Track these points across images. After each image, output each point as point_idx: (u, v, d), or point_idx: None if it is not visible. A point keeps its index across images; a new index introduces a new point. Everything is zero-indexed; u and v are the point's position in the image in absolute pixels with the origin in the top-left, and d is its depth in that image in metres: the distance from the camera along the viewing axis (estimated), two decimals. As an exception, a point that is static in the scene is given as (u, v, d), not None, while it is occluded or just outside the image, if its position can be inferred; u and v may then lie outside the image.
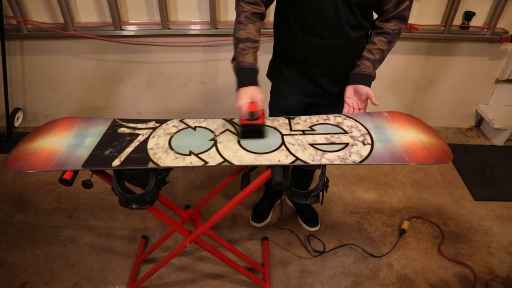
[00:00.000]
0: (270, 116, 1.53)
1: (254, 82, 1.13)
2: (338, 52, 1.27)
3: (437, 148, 1.14)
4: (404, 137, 1.18)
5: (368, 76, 1.26)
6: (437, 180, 2.26)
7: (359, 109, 1.29)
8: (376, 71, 1.30)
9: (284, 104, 1.44)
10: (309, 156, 1.09)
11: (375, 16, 1.29)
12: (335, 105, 1.43)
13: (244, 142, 1.15)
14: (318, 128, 1.21)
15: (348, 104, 1.29)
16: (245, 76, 1.14)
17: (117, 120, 1.25)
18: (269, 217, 1.94)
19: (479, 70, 2.53)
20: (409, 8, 1.22)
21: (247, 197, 1.19)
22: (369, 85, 1.26)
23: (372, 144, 1.14)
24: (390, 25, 1.24)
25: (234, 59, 1.17)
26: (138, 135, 1.18)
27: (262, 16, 1.20)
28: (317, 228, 1.89)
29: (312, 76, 1.34)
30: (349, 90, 1.28)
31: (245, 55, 1.14)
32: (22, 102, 2.56)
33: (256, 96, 1.10)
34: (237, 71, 1.15)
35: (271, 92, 1.51)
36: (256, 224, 1.90)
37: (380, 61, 1.28)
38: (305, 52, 1.28)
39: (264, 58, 1.59)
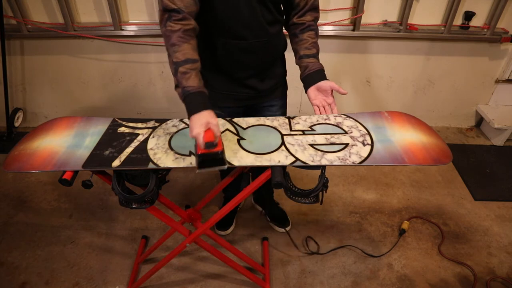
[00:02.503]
0: None
1: (205, 106, 1.03)
2: (261, 51, 1.25)
3: (437, 149, 1.14)
4: (404, 137, 1.18)
5: (320, 71, 1.26)
6: (437, 180, 2.26)
7: (329, 104, 1.26)
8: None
9: (218, 113, 1.35)
10: (308, 157, 1.09)
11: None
12: (271, 101, 1.43)
13: (244, 143, 1.15)
14: (318, 128, 1.21)
15: (317, 106, 1.27)
16: (194, 101, 1.03)
17: (116, 119, 1.25)
18: (234, 223, 1.89)
19: (479, 70, 2.53)
20: None
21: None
22: (326, 78, 1.25)
23: (372, 145, 1.14)
24: (307, 18, 1.25)
25: (177, 86, 1.08)
26: (138, 134, 1.18)
27: (195, 31, 1.09)
28: (288, 228, 1.87)
29: (239, 79, 1.31)
30: (312, 92, 1.26)
31: (188, 78, 1.03)
32: (22, 102, 2.56)
33: (211, 122, 1.01)
34: (183, 98, 1.04)
35: None
36: (222, 232, 1.85)
37: (318, 52, 1.28)
38: (228, 56, 1.25)
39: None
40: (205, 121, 1.00)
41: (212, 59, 1.27)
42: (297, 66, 1.30)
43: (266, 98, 1.42)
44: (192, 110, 1.02)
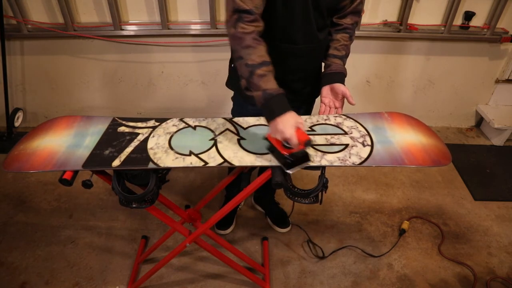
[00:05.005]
0: None
1: (288, 107, 1.03)
2: (310, 56, 1.26)
3: (436, 150, 1.14)
4: (404, 138, 1.18)
5: (341, 74, 1.26)
6: (437, 180, 2.26)
7: (336, 108, 1.28)
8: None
9: (253, 111, 1.35)
10: (309, 157, 1.09)
11: None
12: (301, 104, 1.43)
13: (244, 142, 1.15)
14: (318, 129, 1.21)
15: (324, 104, 1.28)
16: (278, 104, 1.03)
17: (116, 119, 1.25)
18: (234, 223, 1.89)
19: (479, 70, 2.53)
20: (362, 2, 1.25)
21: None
22: (343, 82, 1.26)
23: (372, 146, 1.14)
24: (347, 20, 1.25)
25: (247, 88, 1.08)
26: (138, 134, 1.18)
27: (261, 34, 1.09)
28: (288, 229, 1.88)
29: (284, 82, 1.27)
30: (325, 90, 1.28)
31: (267, 81, 1.03)
32: (22, 102, 2.55)
33: (299, 121, 1.02)
34: (265, 100, 1.03)
35: (234, 99, 1.46)
36: (222, 232, 1.85)
37: (347, 56, 1.29)
38: (278, 59, 1.22)
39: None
40: (294, 121, 1.01)
41: None
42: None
43: (299, 102, 1.41)
44: (277, 112, 1.02)
